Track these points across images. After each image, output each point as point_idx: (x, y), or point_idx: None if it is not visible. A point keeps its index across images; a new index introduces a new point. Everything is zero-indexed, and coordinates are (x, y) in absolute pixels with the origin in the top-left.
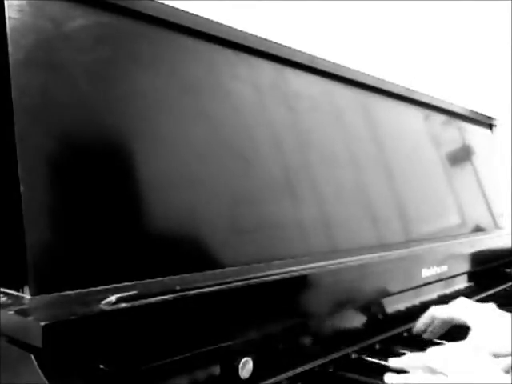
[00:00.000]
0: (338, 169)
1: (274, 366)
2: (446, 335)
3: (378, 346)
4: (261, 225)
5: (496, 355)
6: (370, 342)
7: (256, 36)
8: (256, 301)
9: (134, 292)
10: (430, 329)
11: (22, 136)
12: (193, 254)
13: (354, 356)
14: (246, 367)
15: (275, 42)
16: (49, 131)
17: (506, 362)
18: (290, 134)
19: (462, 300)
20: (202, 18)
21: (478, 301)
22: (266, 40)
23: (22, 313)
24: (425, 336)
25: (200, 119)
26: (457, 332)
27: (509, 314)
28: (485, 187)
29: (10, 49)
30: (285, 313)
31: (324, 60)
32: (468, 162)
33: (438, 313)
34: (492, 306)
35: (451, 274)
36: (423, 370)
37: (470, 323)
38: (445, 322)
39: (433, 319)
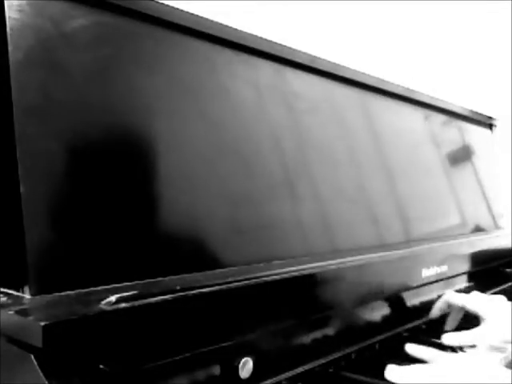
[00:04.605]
0: (338, 169)
1: (274, 366)
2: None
3: (378, 346)
4: (261, 225)
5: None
6: (370, 342)
7: (256, 36)
8: (256, 301)
9: (134, 292)
10: (448, 318)
11: (22, 136)
12: (193, 253)
13: (354, 356)
14: (246, 367)
15: (275, 42)
16: (49, 131)
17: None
18: (290, 134)
19: (475, 293)
20: (202, 17)
21: None
22: (266, 40)
23: (22, 313)
24: (446, 327)
25: (200, 119)
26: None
27: None
28: (485, 187)
29: (10, 49)
30: (285, 313)
31: (324, 60)
32: (468, 162)
33: (453, 299)
34: (502, 298)
35: (451, 274)
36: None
37: (481, 314)
38: (459, 310)
39: (448, 305)
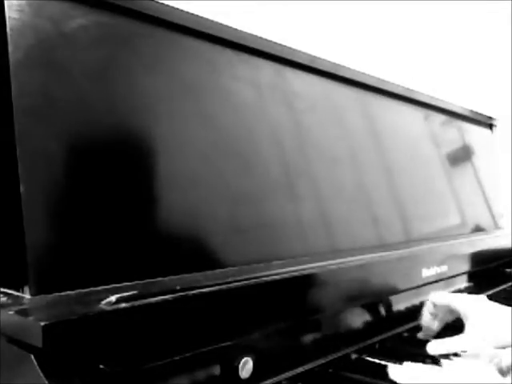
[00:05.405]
0: (338, 169)
1: (274, 366)
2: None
3: (378, 346)
4: (261, 224)
5: (496, 347)
6: (370, 341)
7: (256, 36)
8: (256, 301)
9: (134, 292)
10: (437, 318)
11: (22, 136)
12: (193, 253)
13: (353, 356)
14: (246, 367)
15: (275, 42)
16: (49, 131)
17: (503, 362)
18: (290, 133)
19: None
20: (202, 17)
21: None
22: (266, 40)
23: (22, 313)
24: (433, 328)
25: (200, 119)
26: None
27: (505, 307)
28: (485, 187)
29: (10, 49)
30: (285, 313)
31: (324, 60)
32: (468, 162)
33: (438, 300)
34: (483, 297)
35: (451, 274)
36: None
37: (466, 314)
38: (446, 311)
39: (434, 305)
